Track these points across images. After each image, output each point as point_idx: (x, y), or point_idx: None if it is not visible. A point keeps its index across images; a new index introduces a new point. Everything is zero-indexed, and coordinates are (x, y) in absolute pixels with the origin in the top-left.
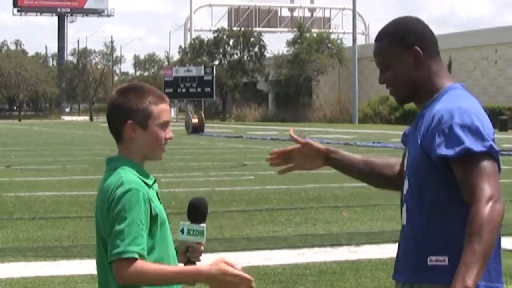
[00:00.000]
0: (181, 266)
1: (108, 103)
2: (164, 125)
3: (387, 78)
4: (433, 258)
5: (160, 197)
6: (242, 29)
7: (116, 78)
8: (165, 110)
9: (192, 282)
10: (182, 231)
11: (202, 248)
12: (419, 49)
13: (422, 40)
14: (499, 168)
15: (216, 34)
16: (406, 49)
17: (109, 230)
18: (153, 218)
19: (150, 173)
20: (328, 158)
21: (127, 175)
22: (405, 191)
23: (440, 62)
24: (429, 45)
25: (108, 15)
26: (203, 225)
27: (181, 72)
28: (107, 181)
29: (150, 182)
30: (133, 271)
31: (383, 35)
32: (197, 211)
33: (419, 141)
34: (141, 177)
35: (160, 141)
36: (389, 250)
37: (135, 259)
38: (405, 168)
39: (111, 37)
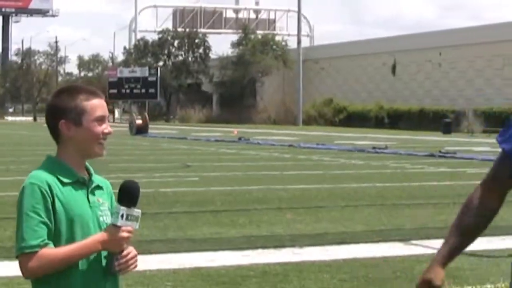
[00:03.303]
0: (80, 242)
1: (45, 106)
2: (100, 119)
3: None
4: None
5: (89, 198)
6: (187, 30)
7: (60, 78)
8: (98, 105)
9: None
10: (122, 216)
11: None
12: None
13: None
14: None
15: (160, 35)
16: None
17: None
18: (57, 214)
19: (79, 173)
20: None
21: (35, 173)
22: None
23: None
24: None
25: (53, 15)
26: (139, 210)
27: (126, 73)
28: None
29: (68, 179)
30: (36, 264)
31: None
32: (131, 195)
33: None
34: (55, 174)
35: (96, 136)
36: (333, 252)
37: (35, 253)
38: None
39: (56, 37)
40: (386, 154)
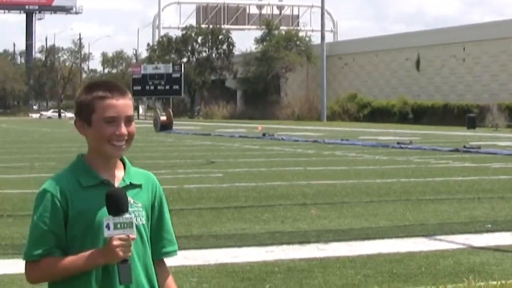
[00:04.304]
0: (81, 254)
1: None
2: (109, 121)
3: None
4: None
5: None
6: (211, 26)
7: (84, 75)
8: (110, 105)
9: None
10: (108, 226)
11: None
12: None
13: None
14: None
15: (184, 32)
16: None
17: None
18: (70, 222)
19: (102, 175)
20: None
21: (56, 176)
22: None
23: None
24: None
25: (76, 13)
26: (129, 216)
27: (149, 69)
28: None
29: (89, 183)
30: (37, 273)
31: None
32: (117, 202)
33: None
34: (77, 177)
35: (104, 138)
36: (357, 248)
37: (37, 261)
38: None
39: (79, 35)
40: (410, 150)
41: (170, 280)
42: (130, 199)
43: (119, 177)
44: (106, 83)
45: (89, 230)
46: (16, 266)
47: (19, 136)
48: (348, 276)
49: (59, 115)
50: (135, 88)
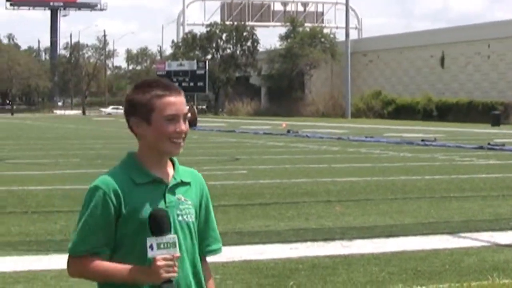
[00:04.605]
0: (124, 266)
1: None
2: (170, 118)
3: None
4: None
5: (166, 198)
6: (235, 23)
7: (108, 72)
8: (170, 103)
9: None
10: (151, 247)
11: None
12: None
13: None
14: None
15: (209, 29)
16: None
17: None
18: (122, 219)
19: (155, 172)
20: None
21: (108, 173)
22: None
23: None
24: None
25: (101, 9)
26: (172, 235)
27: (174, 66)
28: None
29: (142, 180)
30: (78, 268)
31: None
32: (159, 223)
33: None
34: (129, 175)
35: (165, 135)
36: (382, 245)
37: (81, 257)
38: None
39: (104, 31)
40: (434, 147)
41: (211, 284)
42: (180, 196)
43: (170, 175)
44: (161, 81)
45: (141, 228)
46: (40, 262)
47: (43, 133)
48: (372, 273)
49: (83, 112)
50: None
